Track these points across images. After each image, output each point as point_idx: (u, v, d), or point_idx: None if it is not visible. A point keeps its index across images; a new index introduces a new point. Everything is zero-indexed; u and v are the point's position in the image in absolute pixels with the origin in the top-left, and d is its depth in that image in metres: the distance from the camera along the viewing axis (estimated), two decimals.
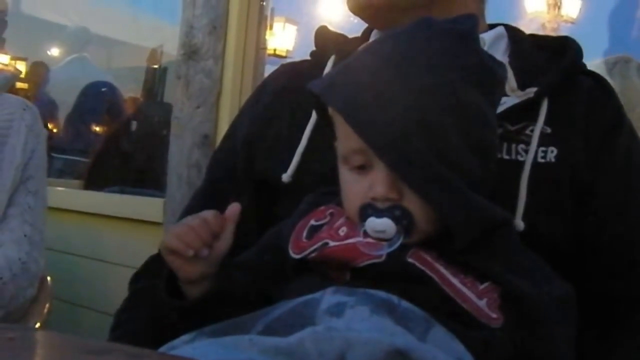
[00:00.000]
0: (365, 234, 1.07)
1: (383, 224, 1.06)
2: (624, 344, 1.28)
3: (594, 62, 2.68)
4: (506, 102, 1.29)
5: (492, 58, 1.17)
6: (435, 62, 1.08)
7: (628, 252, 1.31)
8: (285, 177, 1.38)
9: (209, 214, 1.20)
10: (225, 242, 1.21)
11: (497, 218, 1.10)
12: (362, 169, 1.10)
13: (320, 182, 1.26)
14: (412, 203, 1.06)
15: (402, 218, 1.05)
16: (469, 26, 1.16)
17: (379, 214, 1.06)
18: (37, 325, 2.24)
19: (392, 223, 1.05)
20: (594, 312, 1.24)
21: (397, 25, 1.36)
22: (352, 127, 1.06)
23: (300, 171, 1.38)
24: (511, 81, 1.34)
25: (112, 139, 5.22)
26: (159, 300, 1.24)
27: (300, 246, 1.14)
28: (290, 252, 1.15)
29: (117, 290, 1.60)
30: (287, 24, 8.75)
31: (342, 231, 1.12)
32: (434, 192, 1.04)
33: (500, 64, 1.19)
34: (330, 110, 1.16)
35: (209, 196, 1.55)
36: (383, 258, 1.06)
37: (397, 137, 1.03)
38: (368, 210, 1.08)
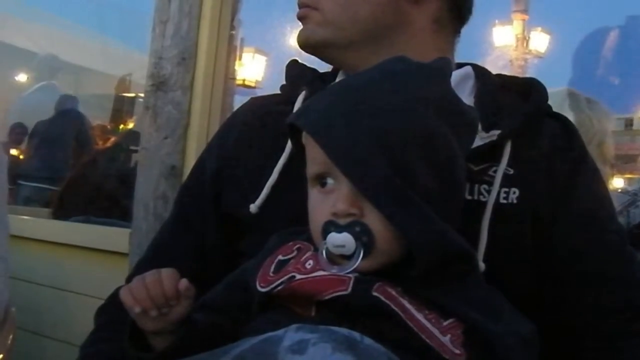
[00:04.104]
0: (327, 253, 1.09)
1: (342, 239, 1.07)
2: None
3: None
4: None
5: (464, 103, 1.19)
6: (405, 90, 1.11)
7: (591, 294, 1.31)
8: (253, 207, 1.38)
9: (166, 274, 1.17)
10: (183, 307, 1.17)
11: (460, 245, 1.11)
12: (328, 190, 1.12)
13: (287, 220, 1.27)
14: (373, 220, 1.07)
15: (362, 234, 1.07)
16: (442, 65, 1.20)
17: (340, 229, 1.08)
18: (1, 356, 2.21)
19: (351, 238, 1.07)
20: (556, 352, 1.26)
21: (346, 63, 1.38)
22: (317, 142, 1.09)
23: (268, 205, 1.38)
24: None
25: (83, 167, 5.18)
26: (123, 346, 1.23)
27: (267, 280, 1.15)
28: (257, 286, 1.15)
29: (82, 321, 1.60)
30: (256, 55, 8.78)
31: (309, 264, 1.13)
32: (393, 208, 1.05)
33: (473, 109, 1.21)
34: (304, 136, 1.18)
35: (175, 230, 1.55)
36: (349, 290, 1.07)
37: (361, 153, 1.06)
38: (330, 227, 1.09)
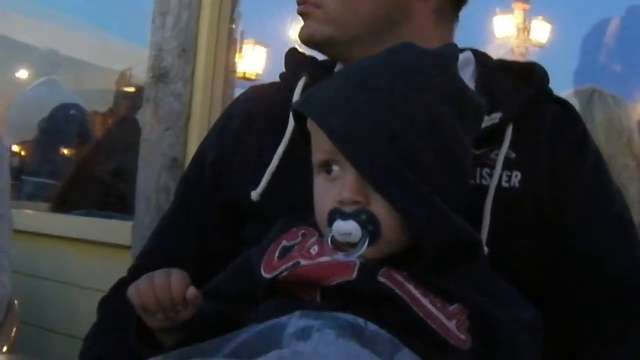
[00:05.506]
0: (333, 240, 1.08)
1: (348, 227, 1.07)
2: None
3: (564, 93, 2.70)
4: None
5: (471, 89, 1.19)
6: (410, 76, 1.11)
7: (590, 279, 1.31)
8: (255, 194, 1.37)
9: (176, 279, 1.16)
10: (189, 312, 1.17)
11: (467, 233, 1.11)
12: (334, 177, 1.12)
13: (288, 207, 1.27)
14: (379, 208, 1.07)
15: (368, 222, 1.07)
16: (448, 51, 1.20)
17: (345, 217, 1.08)
18: (4, 349, 2.22)
19: (357, 226, 1.06)
20: (559, 334, 1.26)
21: (349, 58, 1.38)
22: (322, 129, 1.09)
23: (269, 192, 1.38)
24: None
25: (83, 161, 5.17)
26: (127, 338, 1.23)
27: (272, 266, 1.15)
28: (262, 272, 1.15)
29: (85, 314, 1.60)
30: (257, 47, 8.78)
31: (314, 250, 1.13)
32: (399, 195, 1.05)
33: (479, 95, 1.21)
34: (309, 123, 1.17)
35: (176, 221, 1.54)
36: (354, 276, 1.07)
37: (366, 140, 1.05)
38: (335, 214, 1.09)
